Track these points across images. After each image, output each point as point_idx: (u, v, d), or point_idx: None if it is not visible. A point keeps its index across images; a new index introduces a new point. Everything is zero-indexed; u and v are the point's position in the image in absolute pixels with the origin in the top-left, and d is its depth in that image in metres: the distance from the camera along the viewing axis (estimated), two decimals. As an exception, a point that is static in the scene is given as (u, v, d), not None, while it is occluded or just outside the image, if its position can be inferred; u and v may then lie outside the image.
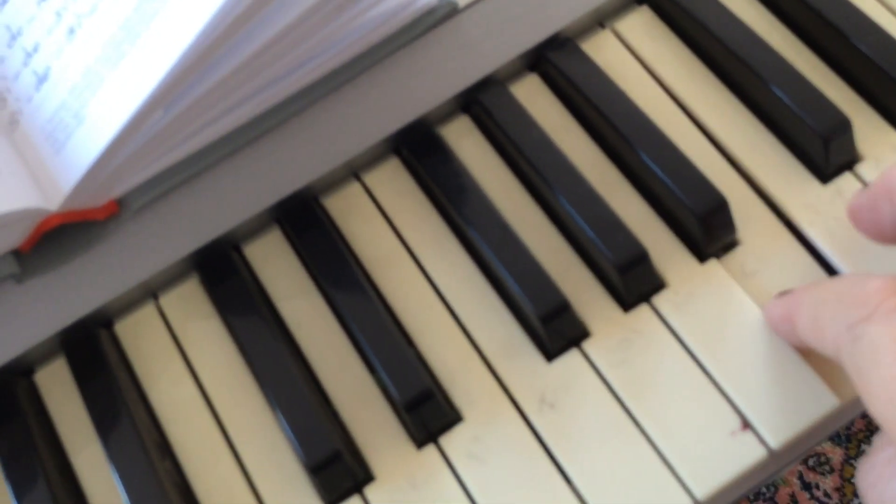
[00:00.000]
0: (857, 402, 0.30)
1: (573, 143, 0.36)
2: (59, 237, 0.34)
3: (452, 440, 0.31)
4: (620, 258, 0.32)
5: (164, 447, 0.33)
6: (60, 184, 0.32)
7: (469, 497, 0.30)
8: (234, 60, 0.31)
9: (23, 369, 0.34)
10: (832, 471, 0.86)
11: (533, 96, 0.37)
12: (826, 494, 0.85)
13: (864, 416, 0.88)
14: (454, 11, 0.37)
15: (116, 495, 0.31)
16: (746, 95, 0.36)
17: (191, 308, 0.35)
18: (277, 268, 0.35)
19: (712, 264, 0.33)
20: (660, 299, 0.32)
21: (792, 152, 0.34)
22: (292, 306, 0.34)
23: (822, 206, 0.33)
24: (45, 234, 0.34)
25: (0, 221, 0.31)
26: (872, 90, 0.35)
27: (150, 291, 0.35)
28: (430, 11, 0.37)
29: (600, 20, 0.38)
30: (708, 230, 0.32)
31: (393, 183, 0.36)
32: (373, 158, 0.37)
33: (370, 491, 0.31)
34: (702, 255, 0.33)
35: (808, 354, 0.30)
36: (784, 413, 0.30)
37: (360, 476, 0.31)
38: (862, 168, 0.34)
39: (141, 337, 0.35)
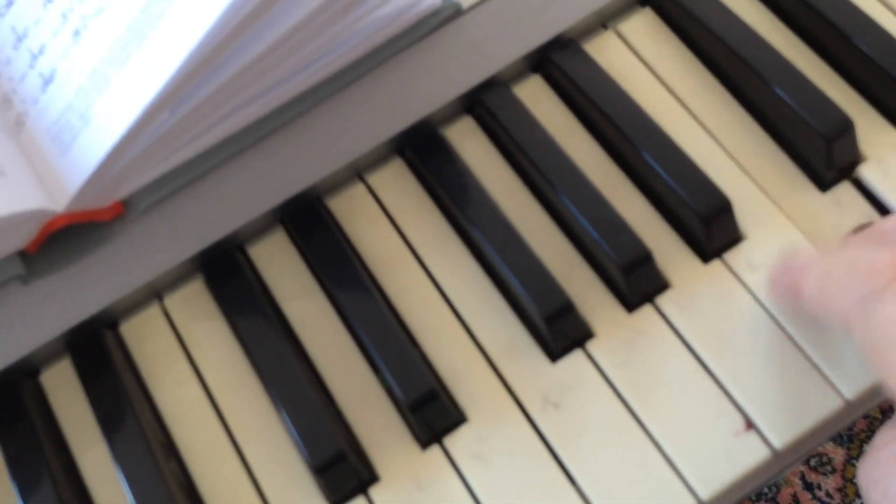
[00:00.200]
0: (859, 402, 0.30)
1: (576, 144, 0.36)
2: (64, 238, 0.34)
3: (457, 440, 0.31)
4: (624, 259, 0.32)
5: (170, 447, 0.33)
6: (66, 185, 0.33)
7: (473, 497, 0.30)
8: (240, 62, 0.31)
9: (28, 370, 0.35)
10: (834, 471, 0.86)
11: (536, 97, 0.37)
12: (828, 495, 0.85)
13: (866, 417, 0.88)
14: (458, 13, 0.37)
15: (122, 495, 0.31)
16: (749, 96, 0.36)
17: (195, 309, 0.35)
18: (282, 268, 0.35)
19: (716, 264, 0.33)
20: (663, 300, 0.32)
21: (794, 152, 0.35)
22: (296, 307, 0.35)
23: (822, 207, 0.33)
24: (50, 235, 0.34)
25: (6, 222, 0.31)
26: (874, 90, 0.35)
27: (155, 292, 0.35)
28: (434, 13, 0.37)
29: (603, 21, 0.39)
30: (711, 231, 0.32)
31: (397, 184, 0.36)
32: (377, 159, 0.37)
33: (375, 491, 0.31)
34: (705, 256, 0.33)
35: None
36: (787, 413, 0.30)
37: (365, 476, 0.31)
38: (865, 169, 0.34)
39: (146, 337, 0.35)
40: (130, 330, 0.35)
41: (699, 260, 0.33)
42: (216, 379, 0.34)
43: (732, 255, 0.33)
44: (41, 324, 0.34)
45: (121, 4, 0.32)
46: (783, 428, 0.29)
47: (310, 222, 0.35)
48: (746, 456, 0.29)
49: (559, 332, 0.32)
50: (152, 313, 0.35)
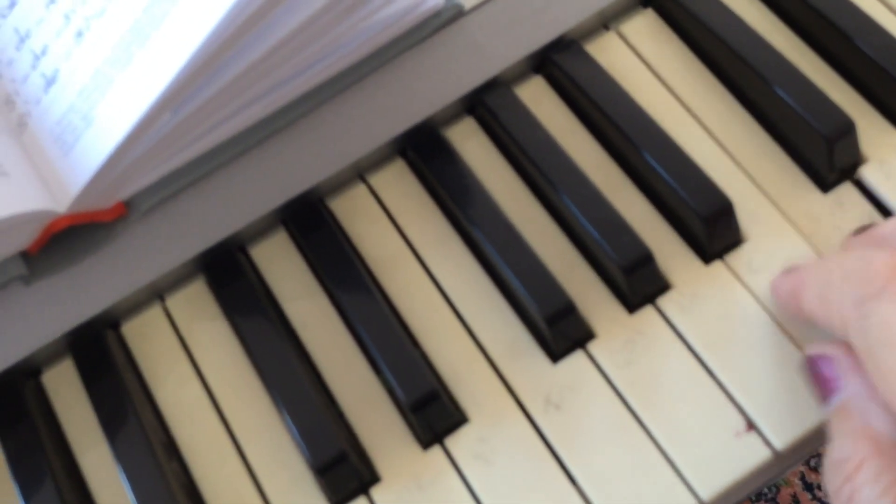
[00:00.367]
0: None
1: (578, 145, 0.36)
2: (67, 239, 0.34)
3: (458, 441, 0.31)
4: (626, 260, 0.32)
5: (171, 448, 0.33)
6: (69, 186, 0.33)
7: (475, 498, 0.30)
8: (243, 63, 0.31)
9: (30, 370, 0.35)
10: (835, 472, 0.86)
11: (538, 98, 0.37)
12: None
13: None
14: (460, 14, 0.37)
15: (124, 496, 0.31)
16: (750, 97, 0.36)
17: (197, 309, 0.35)
18: (283, 269, 0.35)
19: (717, 266, 0.33)
20: (665, 301, 0.32)
21: (796, 154, 0.35)
22: (298, 307, 0.35)
23: (824, 208, 0.33)
24: (53, 236, 0.34)
25: (8, 223, 0.31)
26: (876, 92, 0.35)
27: (157, 293, 0.35)
28: (436, 14, 0.37)
29: (605, 22, 0.39)
30: (713, 232, 0.32)
31: (398, 184, 0.36)
32: (378, 160, 0.37)
33: (376, 492, 0.31)
34: (706, 257, 0.33)
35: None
36: (788, 414, 0.30)
37: (366, 477, 0.31)
38: (866, 170, 0.34)
39: (148, 338, 0.35)
40: (132, 330, 0.35)
41: (700, 261, 0.33)
42: (218, 379, 0.34)
43: (733, 256, 0.33)
44: (43, 324, 0.34)
45: (123, 5, 0.32)
46: (784, 429, 0.29)
47: (311, 223, 0.35)
48: (747, 456, 0.29)
49: (560, 332, 0.32)
50: (154, 314, 0.35)
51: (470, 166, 0.36)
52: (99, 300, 0.34)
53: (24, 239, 0.33)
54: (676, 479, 0.29)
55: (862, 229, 0.30)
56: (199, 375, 0.34)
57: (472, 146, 0.37)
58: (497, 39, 0.37)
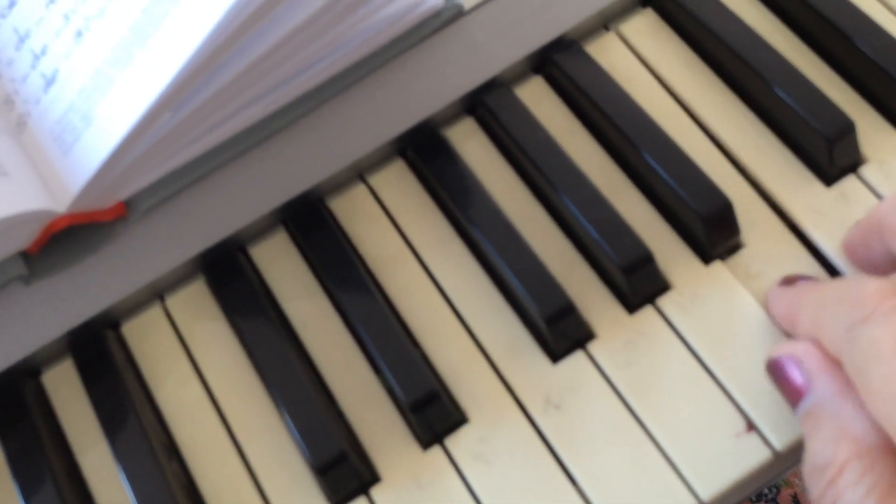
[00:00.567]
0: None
1: (578, 146, 0.36)
2: (66, 239, 0.34)
3: (458, 441, 0.31)
4: (625, 260, 0.32)
5: (171, 448, 0.33)
6: (68, 185, 0.33)
7: (475, 498, 0.30)
8: (242, 63, 0.31)
9: (30, 370, 0.35)
10: (834, 472, 0.86)
11: (538, 98, 0.37)
12: (828, 495, 0.85)
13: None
14: (460, 14, 0.37)
15: (124, 496, 0.31)
16: (750, 98, 0.36)
17: (197, 309, 0.35)
18: (283, 269, 0.35)
19: (717, 266, 0.33)
20: (665, 301, 0.32)
21: (796, 155, 0.35)
22: (298, 307, 0.35)
23: (825, 209, 0.33)
24: (53, 236, 0.34)
25: (8, 223, 0.31)
26: (876, 92, 0.35)
27: (157, 293, 0.35)
28: (436, 14, 0.37)
29: (605, 22, 0.39)
30: (712, 232, 0.32)
31: (398, 185, 0.37)
32: (378, 160, 0.37)
33: (376, 492, 0.31)
34: (706, 257, 0.33)
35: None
36: (788, 415, 0.30)
37: (366, 477, 0.31)
38: (866, 170, 0.34)
39: (147, 338, 0.35)
40: (132, 330, 0.35)
41: (700, 261, 0.33)
42: (218, 379, 0.34)
43: (734, 256, 0.33)
44: (43, 324, 0.34)
45: (123, 5, 0.32)
46: (784, 429, 0.29)
47: (311, 223, 0.35)
48: (747, 457, 0.29)
49: (560, 332, 0.32)
50: (154, 314, 0.35)
51: (470, 166, 0.36)
52: (99, 300, 0.34)
53: (24, 239, 0.33)
54: (676, 480, 0.29)
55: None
56: (199, 375, 0.34)
57: (472, 146, 0.37)
58: (497, 39, 0.37)
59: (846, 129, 0.33)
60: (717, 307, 0.32)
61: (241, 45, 0.31)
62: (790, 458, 0.30)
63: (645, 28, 0.38)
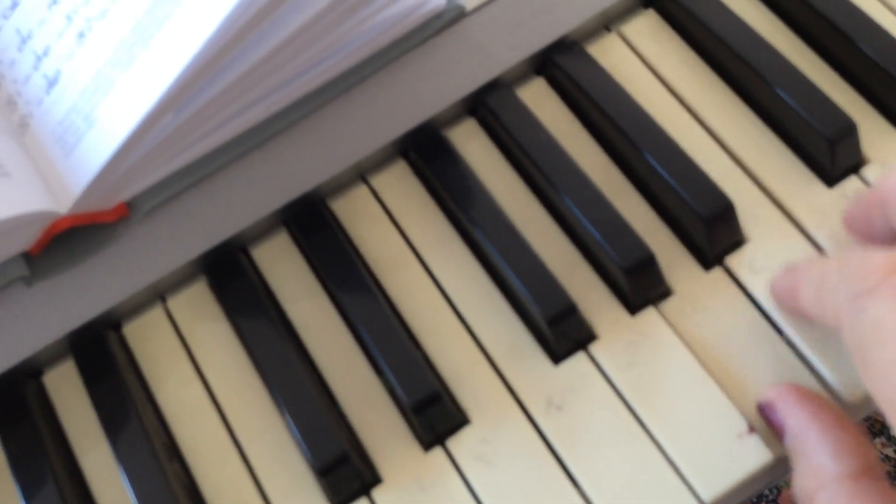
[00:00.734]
0: (859, 406, 0.30)
1: (579, 146, 0.36)
2: (68, 240, 0.34)
3: (460, 442, 0.31)
4: (627, 261, 0.32)
5: (172, 448, 0.33)
6: (70, 187, 0.33)
7: (476, 499, 0.30)
8: (244, 64, 0.31)
9: (32, 371, 0.35)
10: (836, 473, 0.86)
11: (539, 99, 0.37)
12: (830, 497, 0.84)
13: (867, 419, 0.88)
14: (461, 15, 0.37)
15: (125, 496, 0.31)
16: (752, 99, 0.36)
17: (199, 310, 0.35)
18: (285, 270, 0.36)
19: (718, 267, 0.33)
20: (666, 302, 0.32)
21: (798, 156, 0.35)
22: (300, 308, 0.35)
23: (827, 210, 0.33)
24: (54, 237, 0.34)
25: (10, 224, 0.31)
26: (877, 93, 0.35)
27: (159, 293, 0.35)
28: (437, 15, 0.37)
29: (606, 24, 0.39)
30: (713, 233, 0.32)
31: (400, 185, 0.37)
32: (380, 161, 0.37)
33: (378, 493, 0.31)
34: (708, 258, 0.33)
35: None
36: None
37: (368, 478, 0.31)
38: (868, 171, 0.34)
39: (149, 339, 0.35)
40: (133, 331, 0.35)
41: (702, 262, 0.33)
42: (219, 380, 0.34)
43: (735, 258, 0.33)
44: (45, 325, 0.34)
45: (126, 6, 0.32)
46: (786, 431, 0.29)
47: (313, 224, 0.35)
48: (749, 459, 0.29)
49: (562, 334, 0.32)
50: (155, 315, 0.35)
51: (471, 167, 0.36)
52: (100, 301, 0.34)
53: (26, 240, 0.33)
54: (678, 481, 0.29)
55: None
56: (200, 376, 0.34)
57: (474, 147, 0.37)
58: (499, 41, 0.37)
59: (848, 130, 0.33)
60: (719, 308, 0.32)
61: (244, 47, 0.31)
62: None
63: (646, 29, 0.38)
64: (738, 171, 0.35)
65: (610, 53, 0.38)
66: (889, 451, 0.79)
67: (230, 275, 0.35)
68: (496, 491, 0.30)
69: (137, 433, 0.32)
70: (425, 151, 0.36)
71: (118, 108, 0.32)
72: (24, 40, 0.35)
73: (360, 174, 0.37)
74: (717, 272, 0.33)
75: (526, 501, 0.30)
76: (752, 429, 0.30)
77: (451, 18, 0.37)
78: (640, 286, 0.32)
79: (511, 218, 0.34)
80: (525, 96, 0.37)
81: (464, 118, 0.37)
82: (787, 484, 0.86)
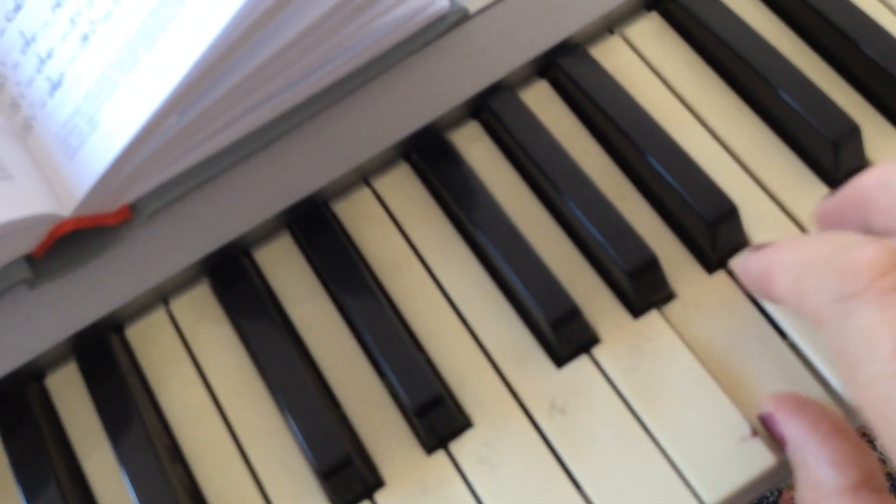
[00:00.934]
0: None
1: (582, 149, 0.36)
2: (71, 242, 0.34)
3: (463, 446, 0.31)
4: (630, 264, 0.32)
5: (175, 451, 0.33)
6: (74, 189, 0.33)
7: (479, 502, 0.30)
8: (248, 67, 0.31)
9: (34, 373, 0.35)
10: (838, 475, 0.85)
11: (542, 102, 0.37)
12: (832, 499, 0.84)
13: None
14: (465, 18, 0.37)
15: (127, 499, 0.31)
16: (755, 101, 0.36)
17: (201, 313, 0.35)
18: (288, 272, 0.35)
19: (722, 271, 0.33)
20: (669, 305, 0.32)
21: (801, 159, 0.35)
22: (302, 311, 0.35)
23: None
24: (58, 240, 0.34)
25: (14, 227, 0.31)
26: (881, 96, 0.35)
27: (161, 296, 0.35)
28: (441, 18, 0.37)
29: (610, 26, 0.39)
30: (717, 236, 0.32)
31: (403, 188, 0.36)
32: (383, 164, 0.37)
33: (380, 496, 0.31)
34: (711, 262, 0.33)
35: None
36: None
37: (371, 481, 0.31)
38: (871, 174, 0.34)
39: (152, 341, 0.35)
40: (136, 333, 0.35)
41: (705, 265, 0.33)
42: (222, 383, 0.34)
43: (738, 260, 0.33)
44: (47, 327, 0.34)
45: (130, 8, 0.32)
46: (789, 434, 0.29)
47: (316, 226, 0.35)
48: (752, 462, 0.29)
49: (565, 337, 0.32)
50: (158, 317, 0.35)
51: (474, 170, 0.36)
52: (103, 303, 0.34)
53: (29, 242, 0.33)
54: (681, 485, 0.29)
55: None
56: (202, 379, 0.34)
57: (477, 150, 0.37)
58: (502, 43, 0.37)
59: (851, 133, 0.33)
60: (722, 312, 0.32)
61: (247, 50, 0.31)
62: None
63: (650, 31, 0.38)
64: (742, 174, 0.35)
65: (613, 56, 0.38)
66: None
67: (233, 277, 0.35)
68: (499, 494, 0.30)
69: (140, 435, 0.32)
70: (428, 154, 0.36)
71: (122, 110, 0.32)
72: (27, 43, 0.35)
73: (363, 177, 0.37)
74: (720, 275, 0.33)
75: (529, 505, 0.30)
76: (754, 432, 0.30)
77: (454, 21, 0.37)
78: (643, 289, 0.32)
79: (514, 220, 0.34)
80: (528, 99, 0.37)
81: (467, 121, 0.37)
82: (789, 486, 0.86)
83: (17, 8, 0.36)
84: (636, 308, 0.32)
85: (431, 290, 0.34)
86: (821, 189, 0.34)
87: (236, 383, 0.34)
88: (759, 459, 0.29)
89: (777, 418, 0.28)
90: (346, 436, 0.31)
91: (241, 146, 0.35)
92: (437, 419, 0.31)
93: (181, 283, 0.35)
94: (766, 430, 0.29)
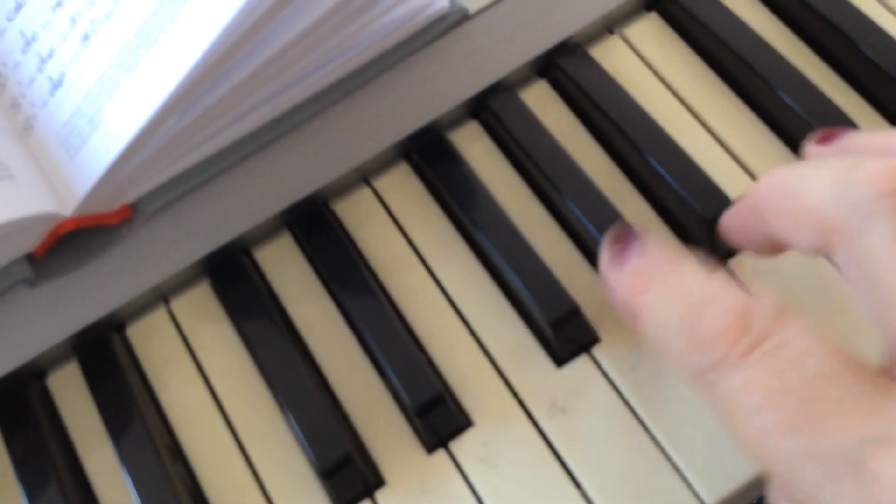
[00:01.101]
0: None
1: (582, 149, 0.36)
2: (72, 242, 0.34)
3: (463, 445, 0.31)
4: (630, 264, 0.32)
5: (176, 450, 0.33)
6: (75, 189, 0.33)
7: (479, 502, 0.30)
8: (249, 67, 0.31)
9: (35, 373, 0.35)
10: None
11: (542, 102, 0.37)
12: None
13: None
14: (465, 18, 0.37)
15: (128, 498, 0.31)
16: (754, 101, 0.36)
17: (202, 312, 0.35)
18: (288, 272, 0.36)
19: (721, 271, 0.33)
20: (669, 305, 0.32)
21: (800, 158, 0.35)
22: (303, 310, 0.35)
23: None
24: (58, 239, 0.34)
25: (15, 226, 0.32)
26: (880, 96, 0.35)
27: (162, 295, 0.35)
28: (441, 18, 0.37)
29: (609, 26, 0.39)
30: (716, 235, 0.32)
31: (403, 188, 0.37)
32: (383, 163, 0.37)
33: (381, 495, 0.31)
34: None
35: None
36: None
37: (371, 481, 0.31)
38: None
39: (152, 341, 0.35)
40: (137, 333, 0.35)
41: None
42: (222, 382, 0.34)
43: (739, 260, 0.33)
44: (48, 327, 0.34)
45: (130, 8, 0.32)
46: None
47: (316, 226, 0.35)
48: (753, 463, 0.29)
49: (565, 337, 0.32)
50: (159, 316, 0.35)
51: (474, 170, 0.36)
52: (104, 303, 0.34)
53: (30, 242, 0.33)
54: (681, 484, 0.29)
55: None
56: (203, 378, 0.34)
57: (477, 150, 0.37)
58: (502, 43, 0.37)
59: (851, 134, 0.33)
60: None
61: (248, 50, 0.31)
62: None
63: (649, 32, 0.38)
64: (741, 173, 0.35)
65: (612, 56, 0.38)
66: None
67: (233, 277, 0.35)
68: (499, 494, 0.30)
69: (141, 435, 0.32)
70: (428, 154, 0.36)
71: (123, 110, 0.32)
72: (28, 42, 0.35)
73: (363, 177, 0.37)
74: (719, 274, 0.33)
75: (529, 504, 0.30)
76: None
77: (454, 21, 0.37)
78: (643, 289, 0.32)
79: (514, 220, 0.34)
80: (528, 99, 0.37)
81: (467, 121, 0.37)
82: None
83: (18, 8, 0.36)
84: (636, 308, 0.32)
85: (432, 289, 0.34)
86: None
87: (237, 382, 0.34)
88: (759, 459, 0.29)
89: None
90: (346, 435, 0.31)
91: (241, 146, 0.35)
92: (438, 419, 0.31)
93: (182, 283, 0.35)
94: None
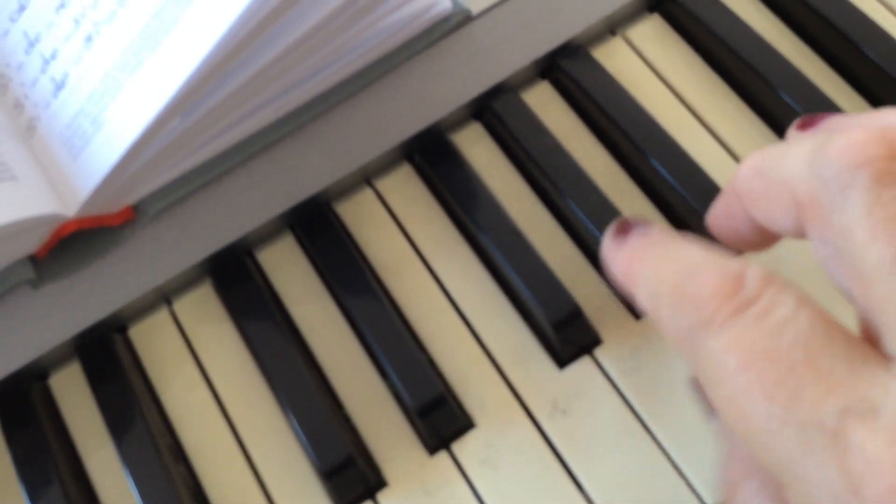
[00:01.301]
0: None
1: (584, 150, 0.36)
2: (75, 243, 0.34)
3: (465, 446, 0.31)
4: (632, 265, 0.32)
5: (178, 451, 0.33)
6: (77, 190, 0.33)
7: (481, 503, 0.30)
8: (252, 68, 0.31)
9: (38, 373, 0.35)
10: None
11: (544, 103, 0.37)
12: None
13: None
14: (467, 19, 0.37)
15: (130, 498, 0.31)
16: (757, 103, 0.36)
17: (204, 313, 0.35)
18: (290, 273, 0.36)
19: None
20: (671, 306, 0.32)
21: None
22: (305, 311, 0.35)
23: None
24: (61, 240, 0.34)
25: (17, 227, 0.32)
26: (882, 97, 0.35)
27: (164, 296, 0.35)
28: (444, 19, 0.37)
29: (612, 28, 0.39)
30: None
31: (405, 189, 0.37)
32: (385, 165, 0.37)
33: (383, 497, 0.31)
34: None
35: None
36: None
37: (373, 482, 0.31)
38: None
39: (155, 341, 0.35)
40: (139, 334, 0.35)
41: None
42: (224, 383, 0.34)
43: (744, 256, 0.33)
44: (51, 328, 0.34)
45: (134, 10, 0.32)
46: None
47: (318, 227, 0.35)
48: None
49: (567, 338, 0.32)
50: (161, 317, 0.35)
51: (476, 171, 0.36)
52: (106, 304, 0.34)
53: (33, 243, 0.34)
54: (683, 486, 0.29)
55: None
56: (205, 379, 0.34)
57: (479, 151, 0.37)
58: (504, 45, 0.37)
59: (853, 136, 0.33)
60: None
61: (252, 51, 0.31)
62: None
63: (652, 33, 0.38)
64: (743, 176, 0.35)
65: (615, 57, 0.38)
66: None
67: (235, 278, 0.35)
68: (501, 495, 0.30)
69: (143, 435, 0.32)
70: (430, 155, 0.36)
71: (126, 111, 0.32)
72: (31, 43, 0.35)
73: (366, 178, 0.37)
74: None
75: (531, 505, 0.30)
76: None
77: (457, 22, 0.37)
78: (645, 290, 0.32)
79: (516, 222, 0.34)
80: (530, 100, 0.37)
81: (469, 122, 0.38)
82: (790, 487, 0.86)
83: (21, 9, 0.36)
84: (638, 309, 0.32)
85: (434, 290, 0.34)
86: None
87: (239, 383, 0.34)
88: (761, 460, 0.29)
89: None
90: (348, 436, 0.31)
91: (244, 147, 0.35)
92: (440, 420, 0.31)
93: (184, 284, 0.35)
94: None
